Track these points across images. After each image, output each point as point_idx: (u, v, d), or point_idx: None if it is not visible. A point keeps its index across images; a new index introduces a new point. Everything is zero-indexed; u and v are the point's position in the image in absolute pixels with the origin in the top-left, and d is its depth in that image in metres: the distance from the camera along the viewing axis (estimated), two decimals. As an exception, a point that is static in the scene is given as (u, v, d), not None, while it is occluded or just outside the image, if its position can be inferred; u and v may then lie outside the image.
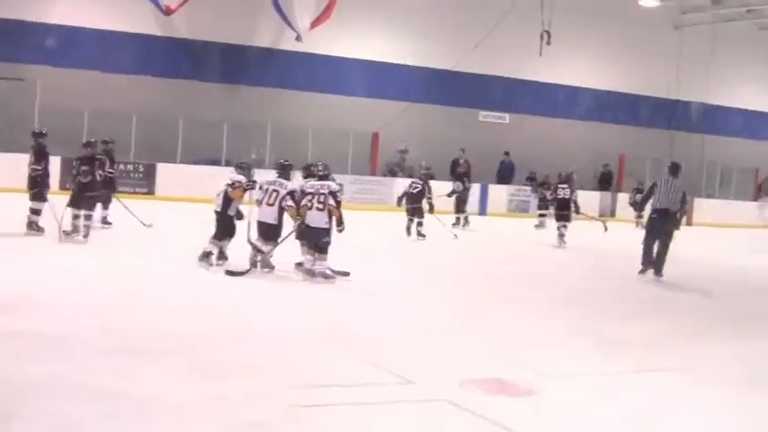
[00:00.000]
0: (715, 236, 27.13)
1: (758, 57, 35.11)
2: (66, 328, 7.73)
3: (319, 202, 11.67)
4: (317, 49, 27.35)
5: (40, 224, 14.06)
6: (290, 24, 26.35)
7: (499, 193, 29.14)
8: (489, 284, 12.88)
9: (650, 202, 14.71)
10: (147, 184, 24.25)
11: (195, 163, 24.95)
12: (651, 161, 32.11)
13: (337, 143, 26.21)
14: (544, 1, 24.21)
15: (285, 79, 27.42)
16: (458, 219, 22.32)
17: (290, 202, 11.81)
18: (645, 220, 16.25)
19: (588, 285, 13.63)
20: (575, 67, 31.86)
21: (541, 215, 24.49)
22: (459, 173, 24.26)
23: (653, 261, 14.37)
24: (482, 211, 27.40)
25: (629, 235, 21.21)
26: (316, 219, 11.64)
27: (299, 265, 11.96)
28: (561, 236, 19.31)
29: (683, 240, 22.08)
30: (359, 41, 28.55)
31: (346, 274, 11.91)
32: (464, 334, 8.93)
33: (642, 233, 14.95)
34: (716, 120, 34.13)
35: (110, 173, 16.13)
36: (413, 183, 19.49)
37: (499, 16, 26.21)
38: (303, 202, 11.76)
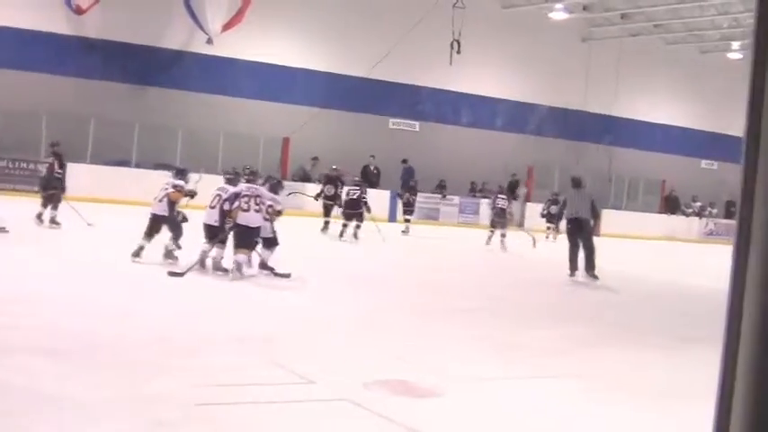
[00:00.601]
0: (622, 247, 28.03)
1: (665, 71, 36.74)
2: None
3: (255, 204, 12.51)
4: (229, 53, 27.75)
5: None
6: (201, 27, 26.83)
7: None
8: (402, 291, 13.17)
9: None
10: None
11: (105, 164, 25.15)
12: (559, 172, 33.31)
13: (248, 148, 26.66)
14: (455, 11, 25.01)
15: (196, 82, 27.74)
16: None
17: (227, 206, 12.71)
18: (557, 230, 17.64)
19: (496, 293, 13.97)
20: (485, 77, 32.84)
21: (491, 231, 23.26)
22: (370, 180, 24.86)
23: (577, 265, 16.08)
24: (392, 217, 27.77)
25: (538, 245, 22.25)
26: (250, 219, 12.49)
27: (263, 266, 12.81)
28: (501, 244, 21.35)
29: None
30: (270, 46, 28.99)
31: (287, 275, 12.56)
32: (369, 337, 9.15)
33: (551, 243, 16.09)
34: (623, 132, 35.40)
35: (58, 173, 16.88)
36: (350, 189, 20.60)
37: (411, 25, 26.88)
38: (236, 204, 12.57)
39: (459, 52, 25.32)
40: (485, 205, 25.52)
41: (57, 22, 25.94)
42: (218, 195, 13.02)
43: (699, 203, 37.21)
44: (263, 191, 12.92)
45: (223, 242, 12.70)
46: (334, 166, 22.85)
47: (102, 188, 22.45)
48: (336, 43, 29.84)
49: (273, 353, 7.90)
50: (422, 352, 8.61)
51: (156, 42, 27.23)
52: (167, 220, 13.15)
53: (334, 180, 22.34)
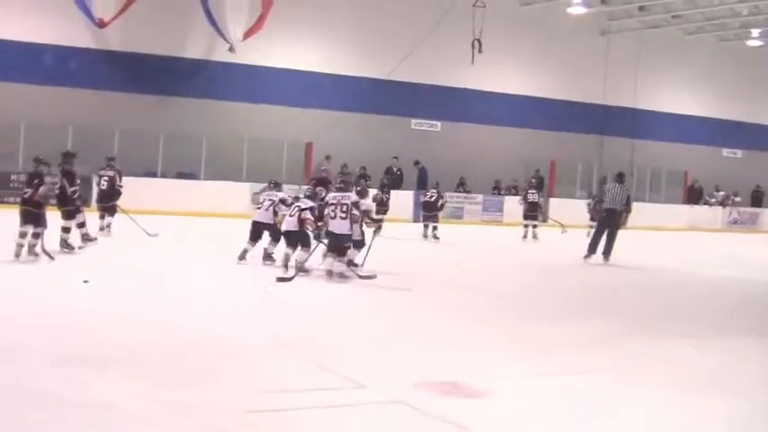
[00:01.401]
0: (646, 239, 28.23)
1: (684, 61, 36.93)
2: (18, 337, 8.12)
3: (342, 212, 13.31)
4: (251, 60, 28.00)
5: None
6: (222, 35, 27.11)
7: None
8: (433, 290, 13.31)
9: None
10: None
11: (132, 175, 25.37)
12: (582, 166, 33.56)
13: (272, 153, 27.00)
14: (475, 10, 25.26)
15: (219, 90, 27.99)
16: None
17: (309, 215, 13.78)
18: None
19: (514, 290, 14.20)
20: (505, 74, 33.05)
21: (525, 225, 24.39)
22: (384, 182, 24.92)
23: (596, 250, 18.46)
24: (416, 217, 27.92)
25: (560, 240, 22.53)
26: (338, 226, 13.28)
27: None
28: (534, 235, 22.98)
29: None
30: (292, 51, 29.25)
31: (372, 277, 13.18)
32: (409, 338, 9.27)
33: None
34: (644, 124, 35.57)
35: (119, 186, 18.48)
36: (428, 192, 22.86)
37: (431, 25, 27.16)
38: (326, 212, 13.48)
39: (480, 51, 25.61)
40: (512, 202, 25.76)
41: (80, 37, 26.25)
42: (272, 201, 14.60)
43: (722, 193, 37.27)
44: (353, 196, 13.67)
45: (308, 246, 13.74)
46: (323, 167, 23.41)
47: (132, 199, 22.74)
48: (357, 46, 30.11)
49: (318, 356, 7.98)
50: (462, 351, 8.76)
51: (178, 53, 27.54)
52: (270, 228, 14.55)
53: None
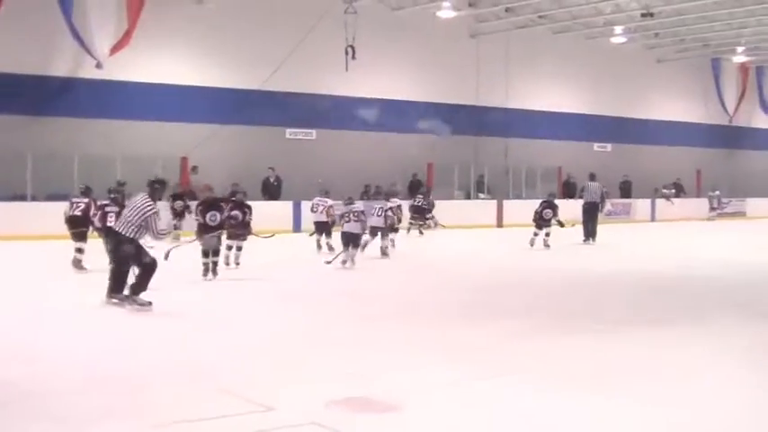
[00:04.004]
0: (524, 236, 28.80)
1: (552, 60, 37.99)
2: None
3: (354, 215, 17.96)
4: (120, 76, 27.59)
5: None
6: (89, 52, 26.68)
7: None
8: (328, 303, 13.33)
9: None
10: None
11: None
12: (459, 167, 34.07)
13: (147, 170, 26.49)
14: (347, 17, 25.44)
15: (89, 108, 27.42)
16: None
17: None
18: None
19: (414, 296, 14.35)
20: (380, 80, 33.31)
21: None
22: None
23: (590, 233, 25.34)
24: (296, 227, 28.04)
25: (442, 242, 22.87)
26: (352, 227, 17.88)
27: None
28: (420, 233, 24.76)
29: (490, 243, 24.07)
30: (161, 66, 28.98)
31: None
32: (315, 355, 9.26)
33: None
34: (517, 123, 36.30)
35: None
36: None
37: (303, 34, 27.21)
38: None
39: (354, 57, 25.89)
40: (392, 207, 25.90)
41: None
42: (322, 205, 21.12)
43: (605, 188, 38.16)
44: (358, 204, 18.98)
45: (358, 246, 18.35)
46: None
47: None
48: (228, 58, 29.96)
49: (223, 381, 7.86)
50: (372, 363, 8.85)
51: (44, 71, 26.90)
52: (328, 225, 20.78)
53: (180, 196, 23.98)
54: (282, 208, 28.37)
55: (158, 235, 12.60)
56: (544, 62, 37.70)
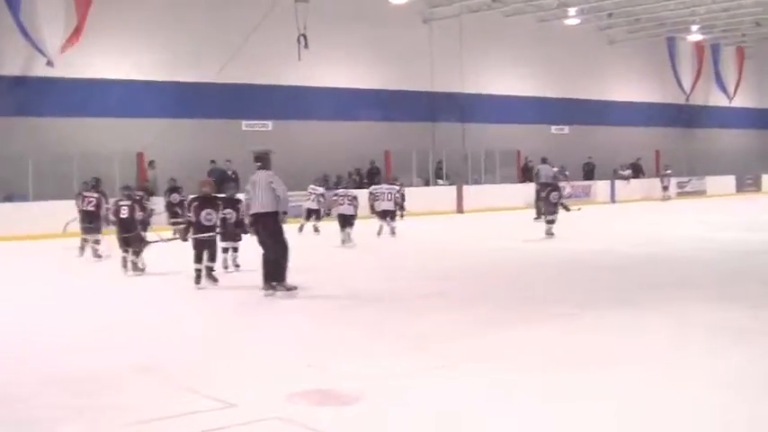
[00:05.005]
0: (485, 220, 29.14)
1: (506, 43, 38.50)
2: None
3: (349, 200, 21.06)
4: (72, 73, 27.57)
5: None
6: (39, 49, 26.74)
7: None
8: (289, 296, 12.91)
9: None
10: None
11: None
12: (416, 154, 34.37)
13: (103, 167, 26.44)
14: (298, 5, 25.60)
15: (41, 107, 27.39)
16: None
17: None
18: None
19: (374, 285, 14.23)
20: (334, 69, 33.49)
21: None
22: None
23: (542, 212, 24.71)
24: None
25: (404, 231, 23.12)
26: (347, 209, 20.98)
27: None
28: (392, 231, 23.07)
29: (451, 230, 24.32)
30: (114, 62, 28.94)
31: None
32: (272, 349, 9.21)
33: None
34: (473, 108, 36.61)
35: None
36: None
37: (255, 24, 27.31)
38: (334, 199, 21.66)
39: (306, 47, 26.05)
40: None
41: None
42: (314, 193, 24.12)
43: (555, 169, 38.52)
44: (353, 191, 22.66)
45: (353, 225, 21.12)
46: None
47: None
48: (181, 51, 29.97)
49: (183, 378, 7.85)
50: (330, 355, 8.84)
51: (-6, 71, 26.89)
52: (319, 211, 23.64)
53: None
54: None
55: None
56: (498, 46, 38.12)
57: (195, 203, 14.36)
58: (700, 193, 43.84)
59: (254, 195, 13.02)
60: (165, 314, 11.97)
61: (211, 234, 14.18)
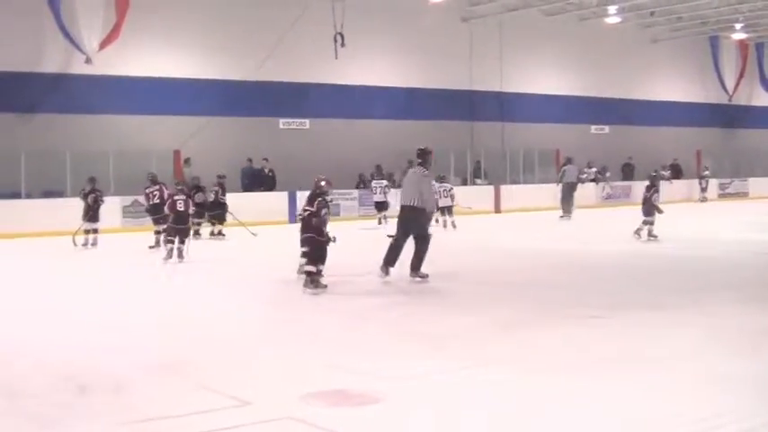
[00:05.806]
0: (521, 221, 29.10)
1: (546, 42, 38.21)
2: None
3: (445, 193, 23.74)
4: (110, 71, 27.85)
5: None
6: (78, 47, 27.03)
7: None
8: (308, 295, 12.89)
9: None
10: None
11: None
12: (455, 153, 34.35)
13: (140, 164, 26.65)
14: (335, 4, 25.70)
15: (80, 104, 27.65)
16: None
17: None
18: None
19: (400, 286, 14.03)
20: (371, 67, 33.62)
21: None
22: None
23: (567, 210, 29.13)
24: (292, 219, 27.75)
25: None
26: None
27: None
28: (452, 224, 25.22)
29: (488, 229, 24.23)
30: (151, 59, 29.23)
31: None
32: (291, 348, 9.13)
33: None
34: (512, 107, 36.60)
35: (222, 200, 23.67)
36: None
37: (292, 23, 27.45)
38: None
39: (343, 45, 26.20)
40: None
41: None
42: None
43: (594, 169, 38.46)
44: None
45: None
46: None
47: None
48: (219, 50, 30.17)
49: (199, 376, 7.82)
50: (348, 355, 8.77)
51: (34, 68, 27.20)
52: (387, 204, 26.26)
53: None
54: (278, 199, 28.68)
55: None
56: (538, 45, 37.96)
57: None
58: (742, 194, 43.41)
59: (403, 189, 14.91)
60: (177, 311, 12.08)
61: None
